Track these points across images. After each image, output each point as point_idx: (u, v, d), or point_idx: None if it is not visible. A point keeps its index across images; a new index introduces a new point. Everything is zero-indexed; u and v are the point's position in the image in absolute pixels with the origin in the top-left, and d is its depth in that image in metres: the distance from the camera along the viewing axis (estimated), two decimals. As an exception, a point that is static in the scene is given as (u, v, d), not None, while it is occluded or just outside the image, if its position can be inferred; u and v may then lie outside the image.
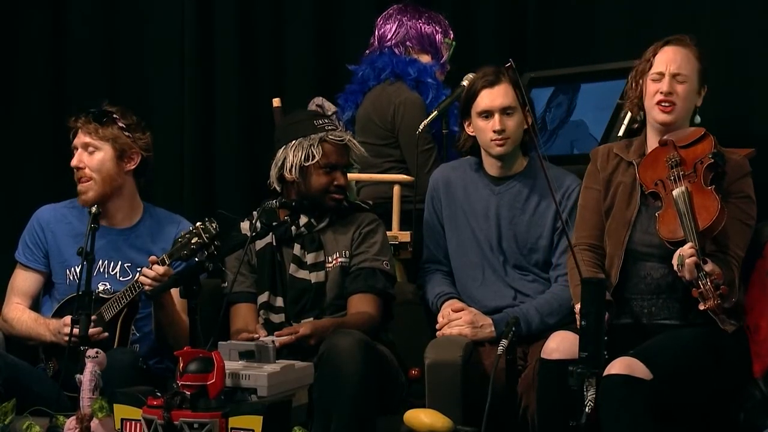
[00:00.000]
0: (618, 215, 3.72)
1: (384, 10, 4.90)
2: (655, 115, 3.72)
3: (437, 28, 4.74)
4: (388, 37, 4.73)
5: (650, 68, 3.73)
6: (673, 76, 3.69)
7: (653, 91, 3.71)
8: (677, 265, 3.41)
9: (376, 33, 4.78)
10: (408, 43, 4.71)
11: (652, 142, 3.77)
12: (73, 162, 4.11)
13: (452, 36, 4.78)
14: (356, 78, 4.74)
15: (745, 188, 3.66)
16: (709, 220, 3.44)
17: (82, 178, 4.10)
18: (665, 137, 3.69)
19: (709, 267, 3.37)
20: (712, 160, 3.57)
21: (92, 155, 4.10)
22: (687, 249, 3.39)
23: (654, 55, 3.74)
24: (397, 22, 4.73)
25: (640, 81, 3.76)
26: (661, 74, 3.70)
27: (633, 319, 3.65)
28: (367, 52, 4.78)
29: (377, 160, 4.63)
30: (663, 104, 3.69)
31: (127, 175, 4.15)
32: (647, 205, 3.69)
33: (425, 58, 4.71)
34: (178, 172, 5.51)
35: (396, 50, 4.70)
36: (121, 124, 4.11)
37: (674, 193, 3.50)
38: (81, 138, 4.11)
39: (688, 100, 3.72)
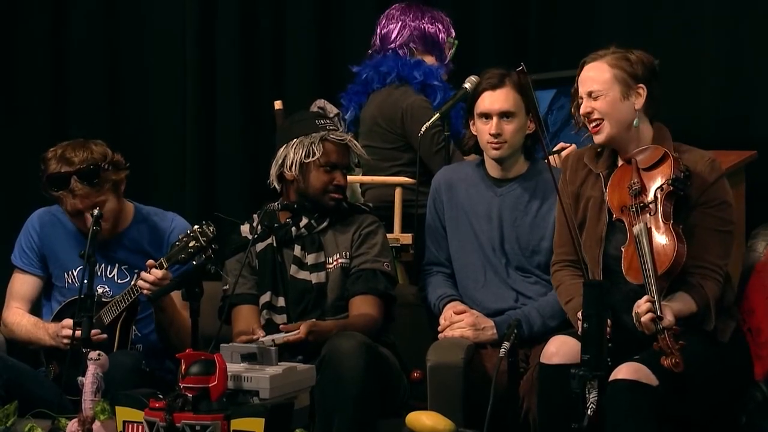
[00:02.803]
0: (591, 231, 3.67)
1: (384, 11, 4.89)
2: (593, 137, 3.66)
3: (440, 27, 4.72)
4: (392, 38, 4.71)
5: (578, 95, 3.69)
6: (589, 95, 3.63)
7: (582, 114, 3.67)
8: (634, 320, 3.37)
9: (378, 32, 4.74)
10: (412, 44, 4.68)
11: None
12: (91, 224, 3.94)
13: (454, 34, 4.76)
14: (360, 79, 4.72)
15: (717, 194, 3.57)
16: (667, 264, 3.38)
17: (102, 227, 3.99)
18: (631, 154, 3.61)
19: (666, 321, 3.30)
20: (672, 188, 3.48)
21: (102, 208, 4.00)
22: (643, 305, 3.34)
23: (578, 82, 3.69)
24: (400, 23, 4.71)
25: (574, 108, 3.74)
26: (581, 98, 3.65)
27: (625, 331, 3.62)
28: (369, 52, 4.77)
29: (384, 164, 4.61)
30: (590, 125, 3.64)
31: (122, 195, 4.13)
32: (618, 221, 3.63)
33: (429, 59, 4.68)
34: (180, 175, 5.52)
35: (400, 51, 4.68)
36: (105, 166, 4.01)
37: (634, 230, 3.44)
38: (82, 204, 3.99)
39: (613, 113, 3.60)
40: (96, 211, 3.91)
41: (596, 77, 3.63)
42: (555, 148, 4.26)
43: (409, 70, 4.61)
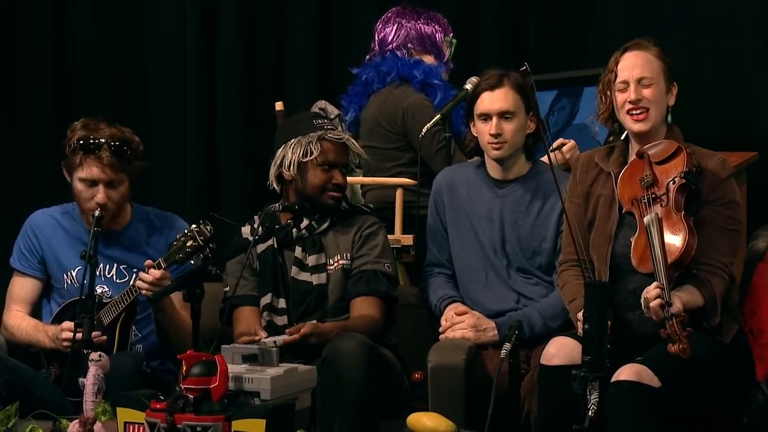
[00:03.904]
0: (600, 228, 3.67)
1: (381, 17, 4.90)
2: (630, 125, 3.65)
3: (437, 27, 4.73)
4: (389, 40, 4.72)
5: (615, 78, 3.66)
6: (638, 81, 3.62)
7: (622, 101, 3.64)
8: (643, 306, 3.37)
9: (376, 38, 4.77)
10: (409, 45, 4.69)
11: (634, 149, 3.69)
12: (100, 200, 3.97)
13: (452, 34, 4.78)
14: (359, 80, 4.72)
15: (726, 193, 3.59)
16: (677, 254, 3.39)
17: (103, 211, 3.99)
18: (643, 149, 3.62)
19: (675, 308, 3.31)
20: (684, 181, 3.49)
21: (116, 190, 4.03)
22: (652, 290, 3.34)
23: (616, 65, 3.66)
24: (396, 25, 4.72)
25: (608, 93, 3.69)
26: (626, 83, 3.63)
27: (626, 329, 3.62)
28: (368, 57, 4.78)
29: (386, 164, 4.61)
30: (634, 113, 3.63)
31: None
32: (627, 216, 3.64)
33: (428, 59, 4.69)
34: (181, 176, 5.51)
35: (398, 53, 4.68)
36: (133, 151, 4.04)
37: (645, 220, 3.44)
38: (103, 174, 4.00)
39: (659, 103, 3.64)
40: (97, 212, 3.92)
41: (647, 65, 3.64)
42: (554, 145, 4.27)
43: (409, 69, 4.62)
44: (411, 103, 4.56)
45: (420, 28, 4.70)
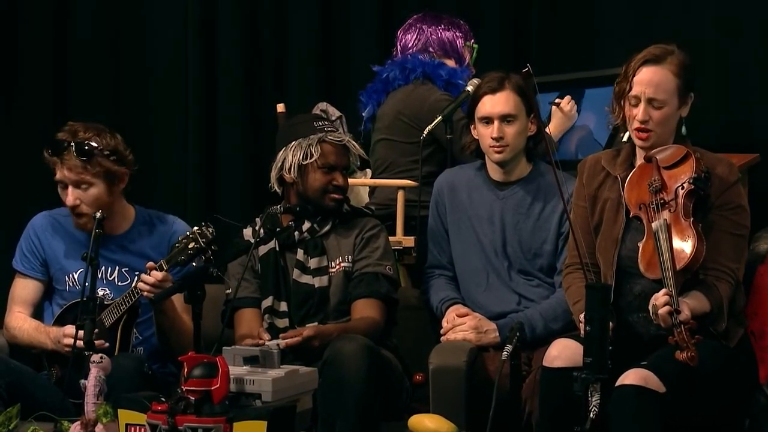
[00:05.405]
0: (606, 232, 3.67)
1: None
2: (634, 138, 3.64)
3: (457, 33, 4.73)
4: (410, 45, 4.73)
5: (629, 89, 3.60)
6: (649, 101, 3.57)
7: (631, 115, 3.61)
8: (651, 313, 3.37)
9: (398, 44, 4.78)
10: (430, 49, 4.70)
11: (641, 153, 3.68)
12: (69, 201, 4.01)
13: (473, 40, 4.78)
14: (380, 78, 4.72)
15: (734, 198, 3.58)
16: (686, 261, 3.39)
17: (78, 213, 4.03)
18: (650, 153, 3.60)
19: (684, 315, 3.30)
20: (693, 187, 3.48)
21: (86, 191, 4.03)
22: (661, 297, 3.34)
23: (633, 76, 3.59)
24: (417, 31, 4.73)
25: (622, 102, 3.64)
26: (638, 99, 3.58)
27: (630, 331, 3.62)
28: (389, 62, 4.78)
29: (402, 159, 4.60)
30: (638, 131, 3.60)
31: (119, 193, 4.13)
32: (634, 221, 3.63)
33: (449, 63, 4.71)
34: (182, 178, 5.51)
35: (420, 57, 4.69)
36: (106, 153, 4.03)
37: (653, 226, 3.43)
38: (69, 175, 4.01)
39: (666, 124, 3.60)
40: (99, 214, 3.91)
41: (663, 85, 3.58)
42: (555, 100, 4.35)
43: (434, 69, 4.63)
44: (437, 99, 4.55)
45: (440, 33, 4.71)
